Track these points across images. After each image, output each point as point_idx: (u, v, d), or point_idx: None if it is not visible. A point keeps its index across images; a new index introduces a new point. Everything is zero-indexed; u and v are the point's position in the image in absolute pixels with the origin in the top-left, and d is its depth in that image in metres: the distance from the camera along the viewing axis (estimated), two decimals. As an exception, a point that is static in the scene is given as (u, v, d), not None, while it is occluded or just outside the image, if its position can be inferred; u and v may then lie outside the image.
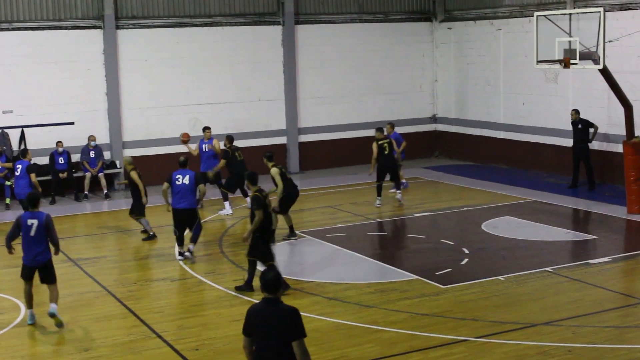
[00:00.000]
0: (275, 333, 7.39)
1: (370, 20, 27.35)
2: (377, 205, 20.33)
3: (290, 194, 17.08)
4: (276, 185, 16.87)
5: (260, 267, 13.55)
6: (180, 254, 16.08)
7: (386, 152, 20.36)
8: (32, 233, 12.29)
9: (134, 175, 17.59)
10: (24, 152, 19.16)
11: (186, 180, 15.84)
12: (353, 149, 26.93)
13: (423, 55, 28.30)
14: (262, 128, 25.87)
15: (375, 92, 27.48)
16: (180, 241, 16.14)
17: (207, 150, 20.99)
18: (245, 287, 13.89)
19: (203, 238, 18.01)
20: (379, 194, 20.54)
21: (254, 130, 25.71)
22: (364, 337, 11.81)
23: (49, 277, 12.58)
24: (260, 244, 13.65)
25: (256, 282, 13.40)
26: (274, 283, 7.45)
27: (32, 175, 18.14)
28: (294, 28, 26.01)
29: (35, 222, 12.31)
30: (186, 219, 15.99)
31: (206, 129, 21.18)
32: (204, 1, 24.90)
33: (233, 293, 13.91)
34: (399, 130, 27.66)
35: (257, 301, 8.45)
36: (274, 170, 16.75)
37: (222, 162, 20.10)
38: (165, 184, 16.06)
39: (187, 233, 16.28)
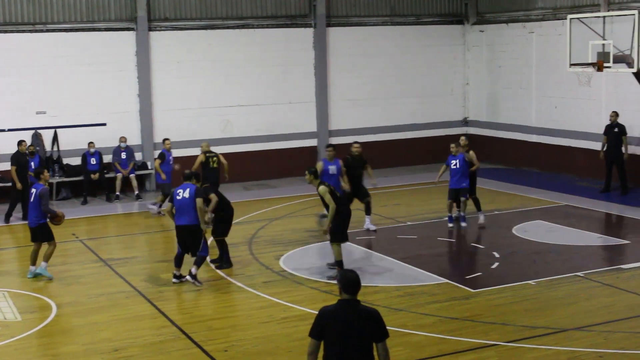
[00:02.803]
0: (358, 335, 7.24)
1: (402, 22, 27.29)
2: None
3: (343, 214, 14.69)
4: (325, 205, 14.88)
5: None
6: (176, 276, 14.75)
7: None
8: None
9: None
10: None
11: (186, 195, 14.53)
12: (384, 151, 26.87)
13: (455, 58, 28.20)
14: (293, 130, 25.89)
15: (406, 95, 27.40)
16: (178, 262, 14.76)
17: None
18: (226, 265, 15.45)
19: (232, 240, 18.07)
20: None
21: (285, 133, 25.74)
22: (393, 340, 11.66)
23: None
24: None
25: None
26: (355, 284, 7.32)
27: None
28: (326, 30, 26.01)
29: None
30: (188, 237, 14.58)
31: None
32: (236, 3, 24.97)
33: (262, 295, 13.93)
34: (430, 132, 27.66)
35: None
36: (323, 189, 14.45)
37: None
38: (169, 204, 15.03)
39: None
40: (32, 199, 15.14)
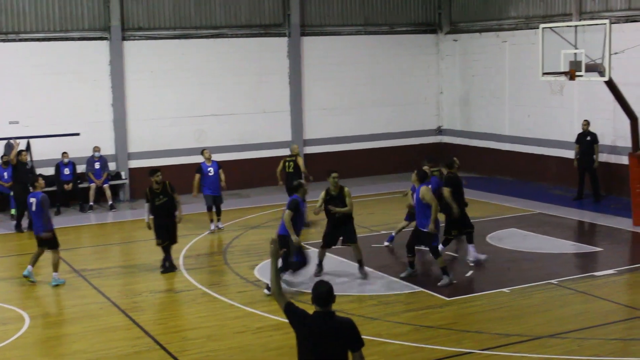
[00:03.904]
0: (334, 347, 7.26)
1: (376, 32, 27.38)
2: None
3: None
4: (345, 205, 15.14)
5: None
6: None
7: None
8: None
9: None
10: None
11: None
12: (358, 160, 26.93)
13: (428, 67, 28.32)
14: (268, 139, 25.88)
15: (380, 104, 27.49)
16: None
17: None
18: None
19: (208, 249, 18.04)
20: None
21: (260, 142, 25.72)
22: (368, 349, 11.65)
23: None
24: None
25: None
26: (324, 297, 7.31)
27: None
28: (300, 40, 26.05)
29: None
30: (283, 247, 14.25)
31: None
32: (210, 12, 24.95)
33: (237, 305, 13.90)
34: (404, 141, 27.75)
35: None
36: (348, 191, 15.21)
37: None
38: (289, 213, 14.55)
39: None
40: (34, 208, 15.27)
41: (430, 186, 14.98)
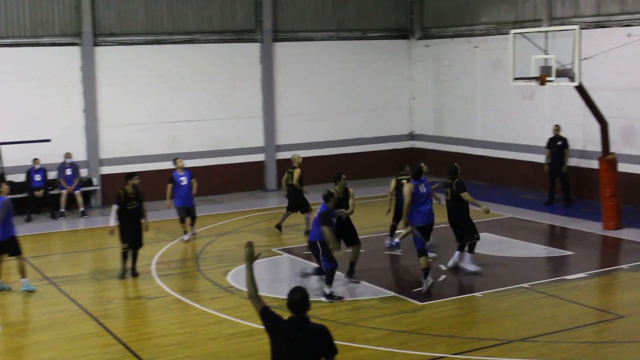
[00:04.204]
0: (307, 354, 7.27)
1: (348, 37, 27.45)
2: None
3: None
4: (348, 206, 15.54)
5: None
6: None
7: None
8: None
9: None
10: None
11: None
12: (331, 166, 26.90)
13: (401, 72, 28.42)
14: (240, 145, 25.85)
15: (353, 110, 27.54)
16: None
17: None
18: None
19: (181, 255, 17.97)
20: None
21: (232, 148, 25.69)
22: (341, 355, 11.60)
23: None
24: None
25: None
26: (297, 304, 7.32)
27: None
28: (272, 45, 26.05)
29: None
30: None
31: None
32: (182, 18, 24.90)
33: (210, 311, 13.86)
34: (377, 147, 27.81)
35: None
36: (352, 192, 15.86)
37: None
38: (327, 229, 14.45)
39: None
40: None
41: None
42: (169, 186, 19.12)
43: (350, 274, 15.53)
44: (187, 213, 19.24)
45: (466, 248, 15.95)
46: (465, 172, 18.54)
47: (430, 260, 15.06)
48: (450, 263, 16.08)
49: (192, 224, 19.54)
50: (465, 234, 15.85)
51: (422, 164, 16.19)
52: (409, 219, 15.02)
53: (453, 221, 16.00)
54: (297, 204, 19.47)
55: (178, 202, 19.12)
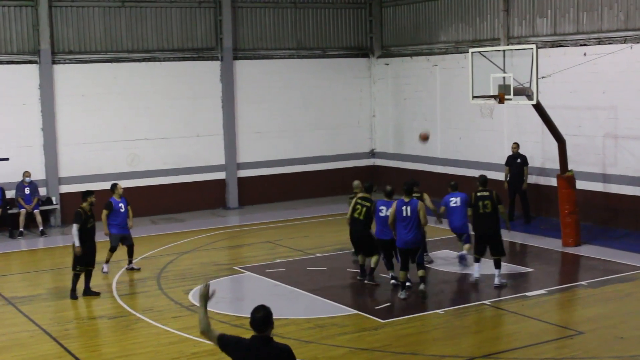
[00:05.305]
0: None
1: (309, 55, 27.54)
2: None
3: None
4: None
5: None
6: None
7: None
8: None
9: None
10: None
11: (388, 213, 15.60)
12: (292, 184, 26.99)
13: (361, 90, 28.57)
14: (202, 163, 25.77)
15: (314, 127, 27.61)
16: (390, 266, 16.10)
17: None
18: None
19: (140, 275, 17.82)
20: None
21: (193, 166, 25.60)
22: (304, 373, 11.75)
23: None
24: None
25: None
26: (259, 323, 7.33)
27: None
28: (233, 63, 26.06)
29: None
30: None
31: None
32: (142, 36, 24.82)
33: (172, 330, 13.77)
34: (338, 164, 27.86)
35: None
36: (351, 201, 16.78)
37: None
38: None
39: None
40: None
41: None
42: (104, 212, 17.69)
43: (371, 278, 16.30)
44: (122, 242, 17.94)
45: (478, 260, 16.37)
46: (425, 190, 18.72)
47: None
48: (497, 281, 16.06)
49: (131, 255, 18.14)
50: (502, 247, 16.18)
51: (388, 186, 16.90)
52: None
53: (493, 233, 16.14)
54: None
55: (114, 230, 17.74)
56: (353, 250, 17.27)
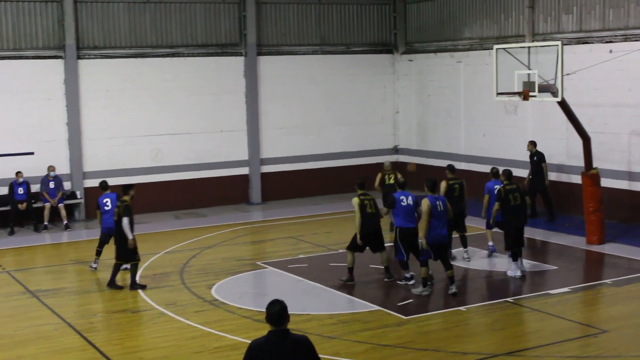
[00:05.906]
0: None
1: (332, 52, 27.52)
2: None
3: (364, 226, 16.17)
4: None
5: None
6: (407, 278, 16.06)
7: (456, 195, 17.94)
8: None
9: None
10: None
11: (410, 201, 15.89)
12: (315, 179, 26.99)
13: (384, 86, 28.52)
14: (225, 159, 25.82)
15: (337, 123, 27.59)
16: (404, 266, 16.00)
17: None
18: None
19: (163, 269, 17.89)
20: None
21: (216, 161, 25.65)
22: (326, 368, 11.76)
23: None
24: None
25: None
26: (276, 317, 7.35)
27: None
28: (256, 59, 26.09)
29: None
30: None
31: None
32: (166, 31, 24.90)
33: (194, 324, 13.82)
34: (361, 160, 27.81)
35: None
36: (355, 200, 16.30)
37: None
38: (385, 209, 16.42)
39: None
40: None
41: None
42: (98, 212, 17.55)
43: (390, 275, 16.35)
44: (110, 240, 17.22)
45: (520, 254, 16.68)
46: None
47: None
48: (518, 273, 16.44)
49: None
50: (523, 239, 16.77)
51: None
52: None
53: (522, 227, 16.74)
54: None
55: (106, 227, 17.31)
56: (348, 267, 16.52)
